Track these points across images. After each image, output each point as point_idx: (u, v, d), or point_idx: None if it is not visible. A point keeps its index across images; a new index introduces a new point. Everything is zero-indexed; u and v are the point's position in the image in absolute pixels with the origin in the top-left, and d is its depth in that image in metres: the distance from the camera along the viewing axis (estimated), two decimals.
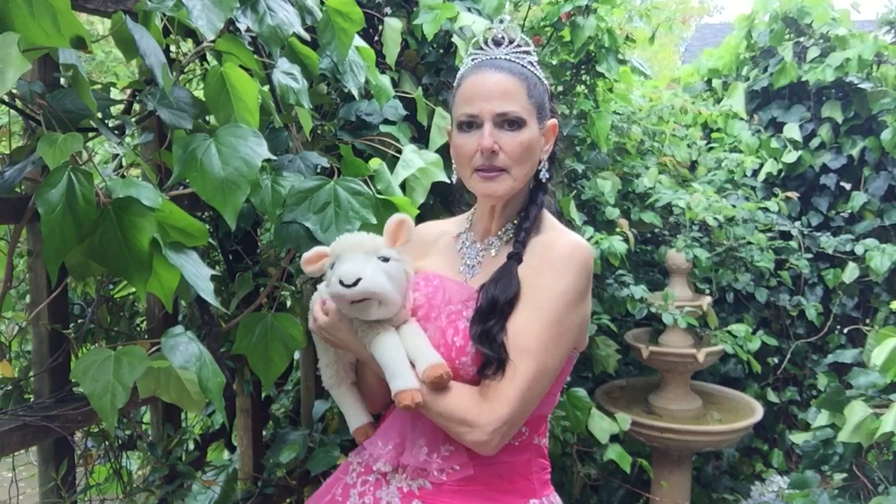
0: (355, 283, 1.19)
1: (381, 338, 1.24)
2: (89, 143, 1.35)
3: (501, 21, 1.35)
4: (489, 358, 1.21)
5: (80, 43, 1.15)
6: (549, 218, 1.36)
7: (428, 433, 1.27)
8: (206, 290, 1.21)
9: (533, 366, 1.20)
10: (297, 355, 2.29)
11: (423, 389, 1.20)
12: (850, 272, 4.06)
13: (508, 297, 1.23)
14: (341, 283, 1.19)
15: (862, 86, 4.26)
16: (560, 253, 1.26)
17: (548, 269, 1.25)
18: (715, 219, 3.33)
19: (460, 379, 1.24)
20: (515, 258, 1.27)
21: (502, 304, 1.22)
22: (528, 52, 1.33)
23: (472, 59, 1.34)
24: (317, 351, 1.44)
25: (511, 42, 1.33)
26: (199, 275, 1.21)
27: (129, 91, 1.59)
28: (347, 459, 1.42)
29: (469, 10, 2.28)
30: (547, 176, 1.34)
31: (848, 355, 3.89)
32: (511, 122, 1.26)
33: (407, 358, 1.23)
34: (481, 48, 1.34)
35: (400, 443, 1.30)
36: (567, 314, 1.24)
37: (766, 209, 3.73)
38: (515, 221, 1.35)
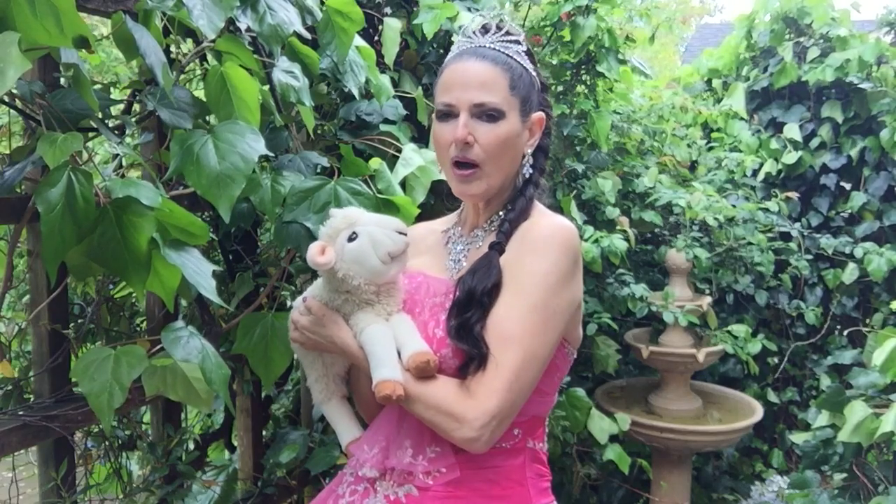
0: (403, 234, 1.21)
1: (374, 327, 1.20)
2: (89, 144, 1.35)
3: (492, 10, 1.31)
4: (468, 354, 1.15)
5: (83, 43, 1.15)
6: (537, 206, 1.30)
7: (413, 434, 1.22)
8: (208, 288, 1.20)
9: (519, 353, 1.14)
10: (296, 355, 2.29)
11: (409, 380, 1.15)
12: (850, 273, 4.06)
13: (486, 287, 1.16)
14: (399, 232, 1.20)
15: (862, 86, 4.27)
16: (540, 234, 1.21)
17: (528, 251, 1.20)
18: (715, 219, 3.33)
19: (442, 373, 1.18)
20: (496, 248, 1.22)
21: (479, 294, 1.16)
22: (516, 42, 1.27)
23: (458, 47, 1.29)
24: (303, 369, 1.38)
25: (499, 30, 1.27)
26: (201, 272, 1.20)
27: (129, 91, 1.59)
28: (343, 470, 1.37)
29: (469, 9, 2.28)
30: (530, 171, 1.28)
31: (847, 356, 3.89)
32: (488, 114, 1.20)
33: (396, 351, 1.18)
34: (468, 36, 1.29)
35: (385, 445, 1.25)
36: (551, 297, 1.17)
37: (766, 209, 3.73)
38: (501, 213, 1.29)
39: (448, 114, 1.23)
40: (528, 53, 1.29)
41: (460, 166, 1.23)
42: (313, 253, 1.18)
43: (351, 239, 1.19)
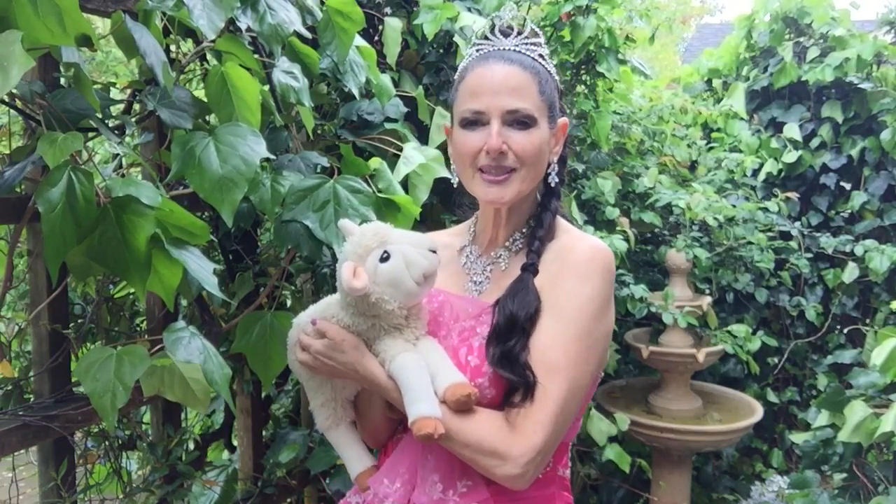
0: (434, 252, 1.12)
1: (407, 356, 1.10)
2: (89, 143, 1.35)
3: (510, 10, 1.22)
4: (514, 383, 1.08)
5: (86, 41, 1.15)
6: (561, 222, 1.24)
7: (442, 467, 1.13)
8: (211, 284, 1.20)
9: (564, 384, 1.07)
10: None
11: (446, 414, 1.06)
12: (850, 272, 4.06)
13: (528, 314, 1.10)
14: (431, 250, 1.11)
15: (862, 86, 4.27)
16: (581, 258, 1.14)
17: (569, 276, 1.12)
18: (715, 219, 3.33)
19: (478, 404, 1.10)
20: (531, 269, 1.15)
21: (522, 321, 1.09)
22: (538, 44, 1.21)
23: (478, 50, 1.21)
24: (306, 393, 1.28)
25: (520, 33, 1.20)
26: (203, 268, 1.20)
27: (129, 91, 1.59)
28: (346, 499, 1.28)
29: (469, 10, 2.28)
30: (556, 180, 1.22)
31: (847, 355, 3.89)
32: (521, 121, 1.14)
33: (431, 382, 1.09)
34: (487, 38, 1.21)
35: (410, 479, 1.16)
36: (594, 324, 1.11)
37: (766, 209, 3.73)
38: (524, 230, 1.23)
39: (476, 121, 1.16)
40: (548, 57, 1.25)
41: (493, 171, 1.16)
42: (347, 276, 1.07)
43: (383, 259, 1.10)
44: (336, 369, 1.16)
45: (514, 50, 1.19)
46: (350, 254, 1.12)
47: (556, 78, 1.23)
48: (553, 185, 1.23)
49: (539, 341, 1.10)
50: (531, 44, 1.20)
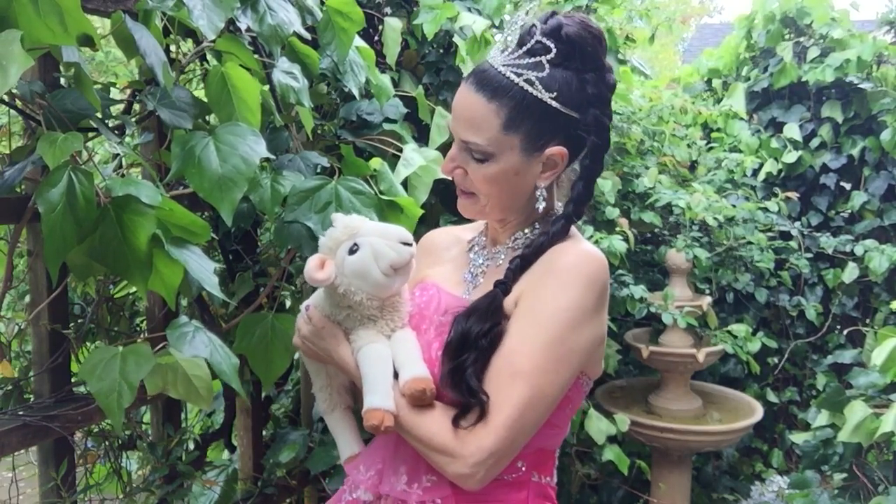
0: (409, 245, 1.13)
1: (372, 347, 1.12)
2: (89, 143, 1.35)
3: (528, 12, 1.14)
4: (464, 404, 1.06)
5: (87, 41, 1.15)
6: (571, 230, 1.19)
7: (409, 460, 1.14)
8: (211, 284, 1.20)
9: (525, 390, 1.04)
10: (297, 355, 2.30)
11: (403, 408, 1.07)
12: (850, 272, 4.06)
13: (483, 331, 1.07)
14: (404, 242, 1.12)
15: (862, 86, 4.27)
16: (565, 264, 1.10)
17: (550, 281, 1.09)
18: (715, 219, 3.33)
19: (442, 399, 1.10)
20: (501, 288, 1.11)
21: (475, 338, 1.07)
22: (534, 66, 1.08)
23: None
24: (310, 375, 1.32)
25: (522, 44, 1.09)
26: (203, 268, 1.20)
27: (129, 91, 1.60)
28: (342, 487, 1.30)
29: (469, 10, 2.28)
30: (544, 206, 1.16)
31: (847, 355, 3.89)
32: (475, 153, 1.12)
33: (393, 375, 1.10)
34: (492, 54, 1.15)
35: (381, 469, 1.18)
36: (570, 333, 1.07)
37: (766, 209, 3.73)
38: (525, 230, 1.20)
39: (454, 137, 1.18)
40: (565, 65, 1.09)
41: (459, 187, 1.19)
42: (311, 268, 1.10)
43: (352, 251, 1.11)
44: (319, 354, 1.20)
45: (498, 71, 1.09)
46: (322, 247, 1.16)
47: (555, 104, 1.09)
48: (539, 210, 1.17)
49: (508, 344, 1.08)
50: (525, 64, 1.09)
